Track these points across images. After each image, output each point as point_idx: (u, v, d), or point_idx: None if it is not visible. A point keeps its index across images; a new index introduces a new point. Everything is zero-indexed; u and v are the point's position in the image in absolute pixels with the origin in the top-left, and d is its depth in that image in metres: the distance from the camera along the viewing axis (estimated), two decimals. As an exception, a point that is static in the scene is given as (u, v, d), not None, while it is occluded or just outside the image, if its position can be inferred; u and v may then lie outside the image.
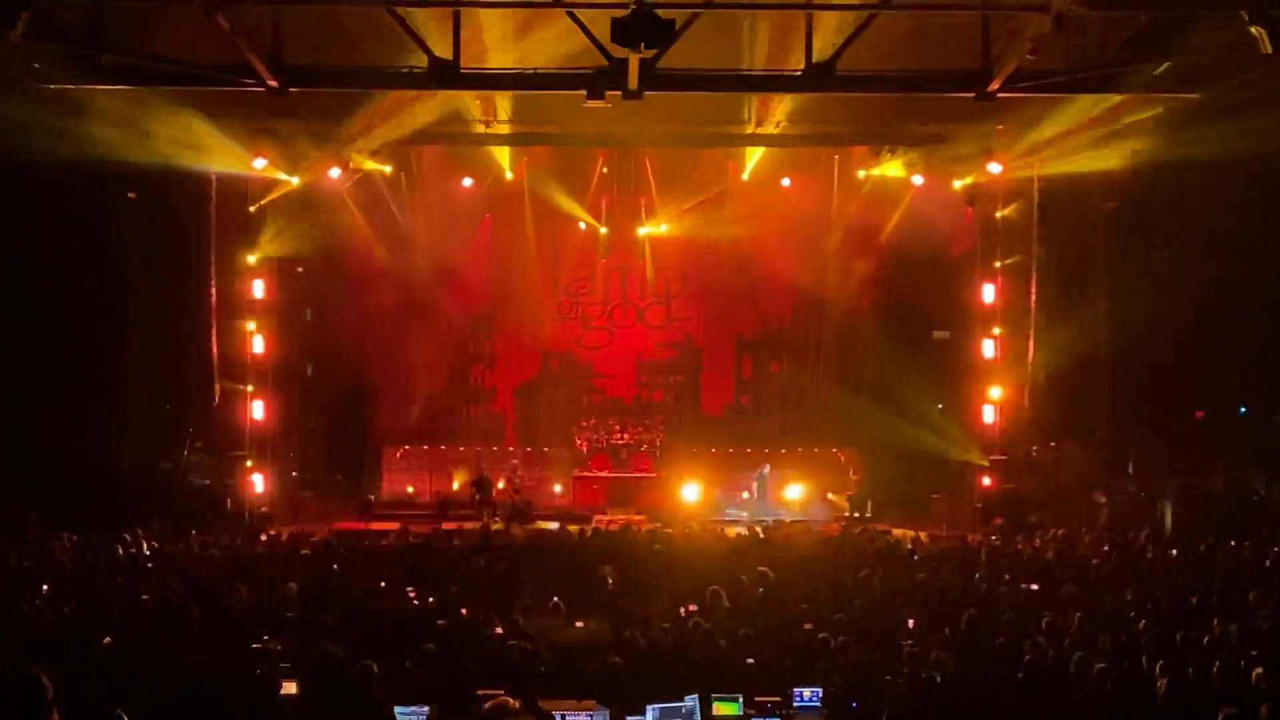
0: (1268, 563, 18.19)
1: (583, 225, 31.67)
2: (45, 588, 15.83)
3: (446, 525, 24.48)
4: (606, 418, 31.39)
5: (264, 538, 22.42)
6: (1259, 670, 10.93)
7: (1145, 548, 20.20)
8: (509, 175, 29.62)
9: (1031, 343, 27.48)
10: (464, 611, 14.27)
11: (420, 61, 18.01)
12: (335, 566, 18.18)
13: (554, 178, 30.36)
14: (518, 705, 9.95)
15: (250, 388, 27.70)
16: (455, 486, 29.75)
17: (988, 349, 28.33)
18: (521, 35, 19.89)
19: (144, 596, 15.36)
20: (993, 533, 24.42)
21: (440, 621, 13.91)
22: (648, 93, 17.96)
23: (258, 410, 27.88)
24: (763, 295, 32.08)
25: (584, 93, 18.10)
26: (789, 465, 30.35)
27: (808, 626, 13.57)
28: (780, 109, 24.59)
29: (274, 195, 27.84)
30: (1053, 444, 28.04)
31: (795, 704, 10.95)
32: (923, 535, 23.18)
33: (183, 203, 25.86)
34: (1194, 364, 25.67)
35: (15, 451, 23.29)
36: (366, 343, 30.52)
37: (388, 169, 28.93)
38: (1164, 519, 24.77)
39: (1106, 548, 20.26)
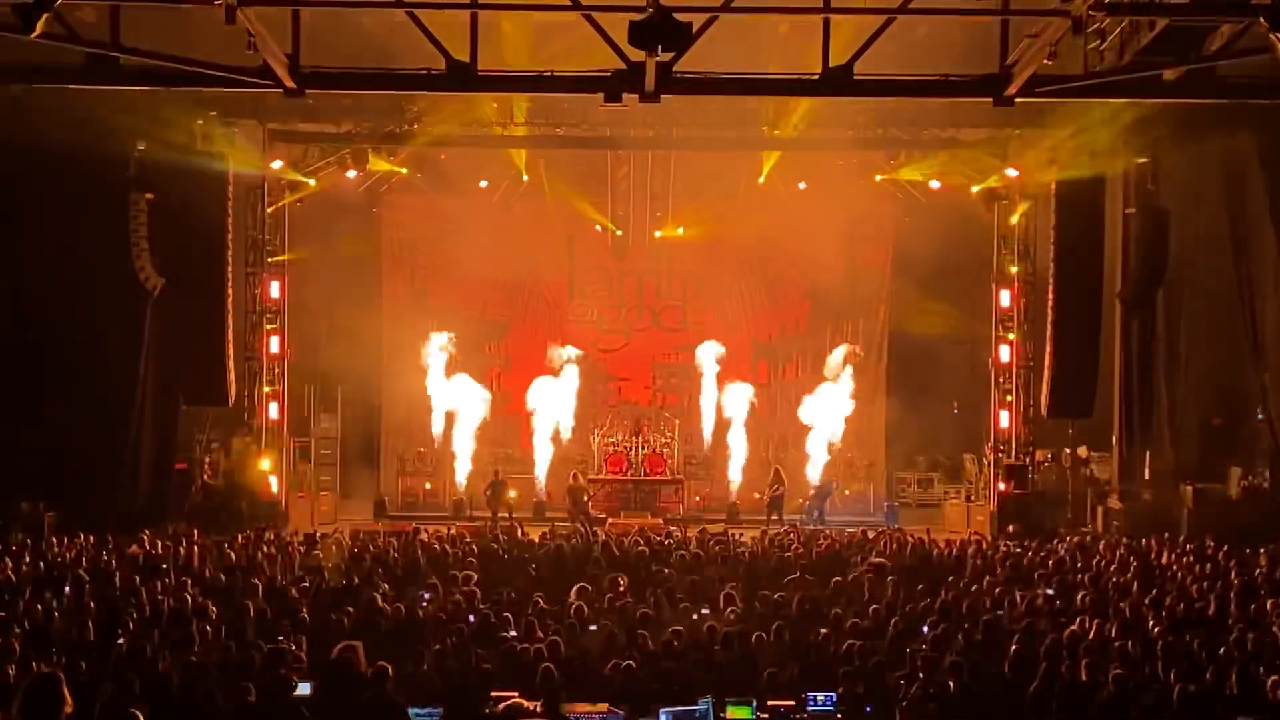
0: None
1: (599, 228, 31.66)
2: (60, 588, 15.90)
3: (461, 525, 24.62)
4: (622, 420, 31.34)
5: (276, 536, 22.50)
6: (1276, 678, 10.88)
7: (1161, 554, 20.15)
8: (525, 178, 29.64)
9: (1048, 347, 27.43)
10: (471, 618, 14.26)
11: (437, 64, 18.00)
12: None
13: (570, 180, 30.35)
14: (532, 708, 9.97)
15: (266, 388, 27.79)
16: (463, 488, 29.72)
17: (1004, 353, 28.30)
18: (538, 37, 19.93)
19: (159, 596, 15.42)
20: (1008, 538, 24.39)
21: (455, 624, 13.93)
22: (665, 96, 17.94)
23: (273, 410, 27.95)
24: (779, 299, 32.00)
25: (600, 95, 18.09)
26: (800, 469, 30.38)
27: (823, 631, 13.56)
28: (797, 113, 24.57)
29: (290, 197, 27.98)
30: (1068, 449, 27.96)
31: (808, 708, 10.94)
32: (939, 539, 23.10)
33: (200, 203, 25.91)
34: (1211, 369, 25.60)
35: (31, 451, 23.37)
36: (381, 343, 30.55)
37: (404, 170, 29.00)
38: (1180, 525, 24.70)
39: (1122, 553, 20.22)
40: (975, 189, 27.92)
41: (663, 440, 30.73)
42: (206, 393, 26.63)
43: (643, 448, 30.48)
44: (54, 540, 20.55)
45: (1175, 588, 16.61)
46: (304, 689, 11.13)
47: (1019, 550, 21.44)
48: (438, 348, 29.85)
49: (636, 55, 16.22)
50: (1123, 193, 26.35)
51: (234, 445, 27.48)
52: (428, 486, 30.25)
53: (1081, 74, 18.77)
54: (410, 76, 19.36)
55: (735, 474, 29.87)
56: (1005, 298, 28.31)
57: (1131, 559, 19.58)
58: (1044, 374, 27.42)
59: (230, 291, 26.72)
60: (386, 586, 16.35)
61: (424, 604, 15.47)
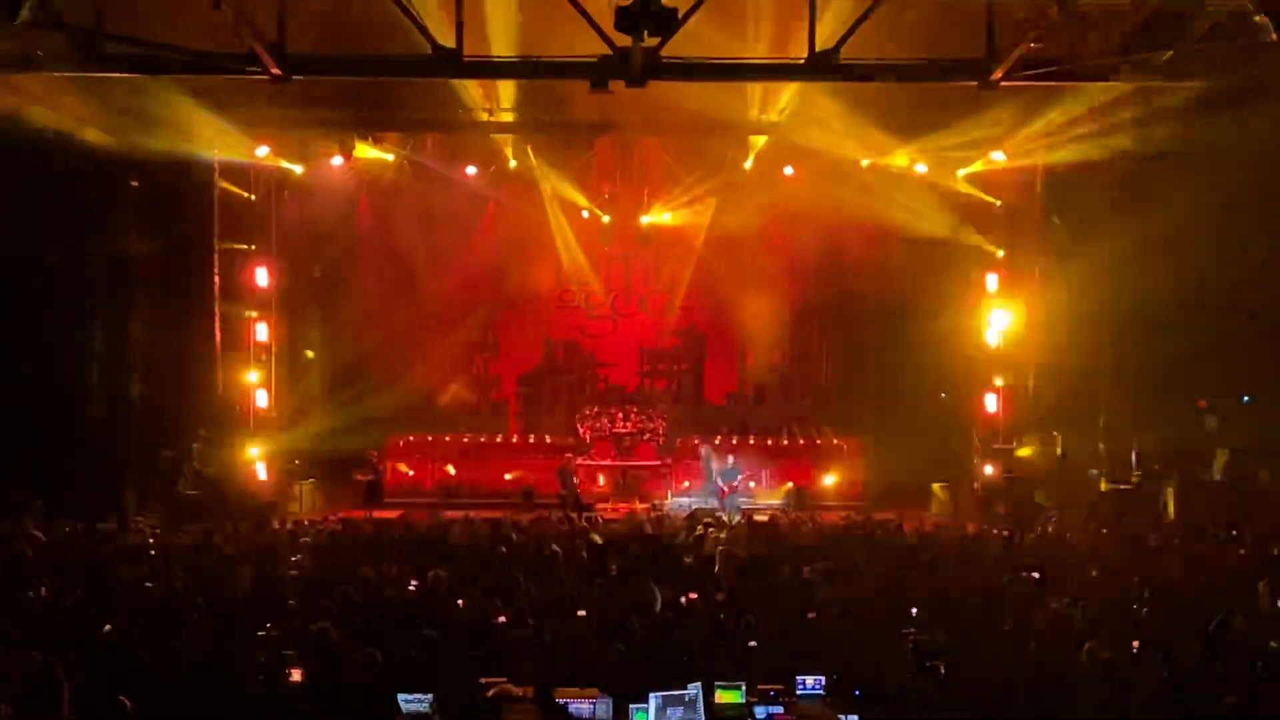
0: (1276, 551, 18.15)
1: (585, 214, 31.62)
2: (48, 576, 15.85)
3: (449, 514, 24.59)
4: (609, 406, 31.37)
5: (266, 525, 22.45)
6: (1260, 661, 10.94)
7: (1147, 536, 20.21)
8: (512, 163, 29.59)
9: (1035, 331, 27.47)
10: (460, 603, 14.25)
11: (423, 49, 17.97)
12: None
13: (557, 166, 30.30)
14: (521, 694, 9.97)
15: (254, 375, 27.74)
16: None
17: (990, 337, 28.32)
18: (524, 23, 19.88)
19: (147, 585, 15.37)
20: (995, 521, 24.44)
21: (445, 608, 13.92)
22: (651, 81, 17.94)
23: (261, 398, 27.90)
24: (765, 284, 31.96)
25: (587, 81, 18.09)
26: (790, 454, 30.46)
27: (811, 615, 13.57)
28: (784, 97, 24.55)
29: (277, 183, 27.90)
30: (1055, 432, 28.01)
31: (798, 691, 10.94)
32: (925, 524, 23.15)
33: (186, 190, 25.84)
34: (1197, 352, 25.64)
35: (18, 438, 23.29)
36: (370, 331, 30.53)
37: (390, 157, 28.93)
38: (1166, 508, 24.76)
39: (1107, 533, 20.27)
40: (962, 173, 27.92)
41: (650, 426, 30.75)
42: (194, 380, 26.58)
43: (631, 433, 30.50)
44: (41, 527, 20.48)
45: (1162, 570, 16.66)
46: (294, 676, 11.10)
47: (1006, 534, 21.50)
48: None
49: (623, 41, 16.24)
50: (1110, 176, 26.35)
51: (222, 433, 27.40)
52: (409, 473, 30.23)
53: (1068, 57, 18.82)
54: (396, 62, 19.36)
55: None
56: (992, 281, 28.35)
57: (1118, 541, 19.63)
58: (1031, 356, 27.50)
59: (217, 278, 26.68)
60: (374, 572, 16.32)
61: (411, 590, 15.46)
